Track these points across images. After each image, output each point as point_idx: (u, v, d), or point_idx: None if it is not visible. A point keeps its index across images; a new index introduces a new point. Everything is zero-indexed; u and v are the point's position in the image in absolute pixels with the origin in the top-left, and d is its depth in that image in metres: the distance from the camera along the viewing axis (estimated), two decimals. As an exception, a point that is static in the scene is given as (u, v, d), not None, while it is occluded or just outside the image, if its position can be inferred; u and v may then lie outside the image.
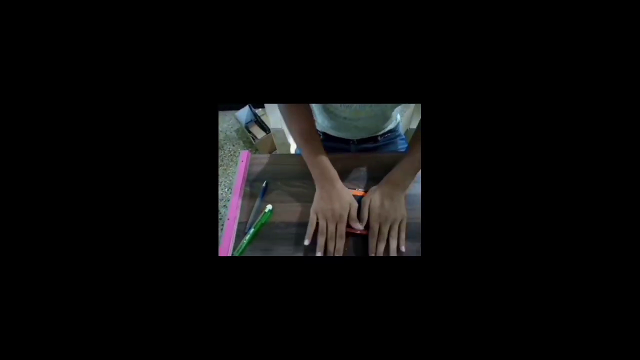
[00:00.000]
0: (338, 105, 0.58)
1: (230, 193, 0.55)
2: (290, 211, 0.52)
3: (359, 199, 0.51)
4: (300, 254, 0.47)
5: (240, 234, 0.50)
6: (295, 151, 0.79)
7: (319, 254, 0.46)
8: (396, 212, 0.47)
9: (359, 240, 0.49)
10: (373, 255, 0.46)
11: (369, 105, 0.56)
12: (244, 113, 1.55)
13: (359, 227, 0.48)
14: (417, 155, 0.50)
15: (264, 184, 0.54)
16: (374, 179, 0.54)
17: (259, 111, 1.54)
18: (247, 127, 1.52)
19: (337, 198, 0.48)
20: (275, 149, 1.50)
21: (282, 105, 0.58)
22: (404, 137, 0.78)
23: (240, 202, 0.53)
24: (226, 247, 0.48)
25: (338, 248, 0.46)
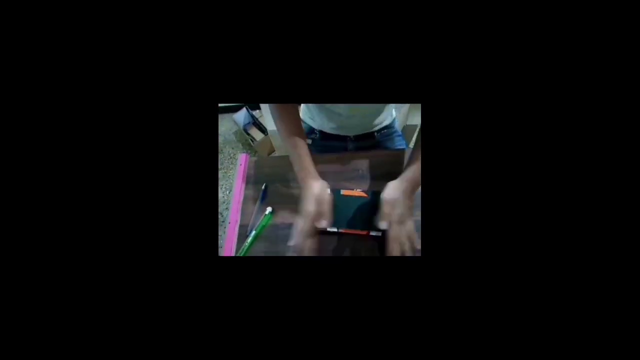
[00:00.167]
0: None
1: (231, 196, 0.55)
2: (291, 212, 0.52)
3: (359, 199, 0.51)
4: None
5: (242, 237, 0.50)
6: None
7: (292, 253, 0.45)
8: (410, 211, 0.46)
9: (346, 241, 0.49)
10: (390, 255, 0.44)
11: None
12: (241, 115, 1.55)
13: (323, 225, 0.46)
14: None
15: (263, 187, 0.55)
16: (371, 178, 0.55)
17: (256, 113, 1.54)
18: (245, 130, 1.53)
19: (310, 197, 0.47)
20: (274, 151, 1.50)
21: (270, 105, 0.58)
22: (400, 133, 0.78)
23: (240, 205, 0.54)
24: (228, 250, 0.49)
25: (309, 247, 0.45)
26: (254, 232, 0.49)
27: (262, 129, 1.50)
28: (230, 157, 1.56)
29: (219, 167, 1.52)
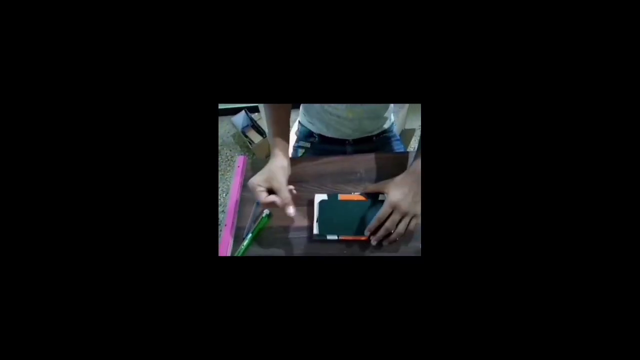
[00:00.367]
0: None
1: (228, 198, 0.55)
2: (289, 216, 0.52)
3: (359, 204, 0.50)
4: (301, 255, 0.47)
5: (239, 240, 0.49)
6: (292, 154, 0.79)
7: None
8: (415, 207, 0.45)
9: (347, 249, 0.49)
10: (368, 234, 0.45)
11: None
12: (240, 118, 1.55)
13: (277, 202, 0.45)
14: None
15: (260, 189, 0.54)
16: (370, 181, 0.54)
17: (254, 115, 1.54)
18: (243, 132, 1.52)
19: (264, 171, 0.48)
20: (272, 153, 1.50)
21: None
22: (399, 138, 0.78)
23: (237, 207, 0.53)
24: (224, 253, 0.48)
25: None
26: (250, 235, 0.49)
27: (261, 132, 1.50)
28: (228, 160, 1.55)
29: (216, 169, 1.52)
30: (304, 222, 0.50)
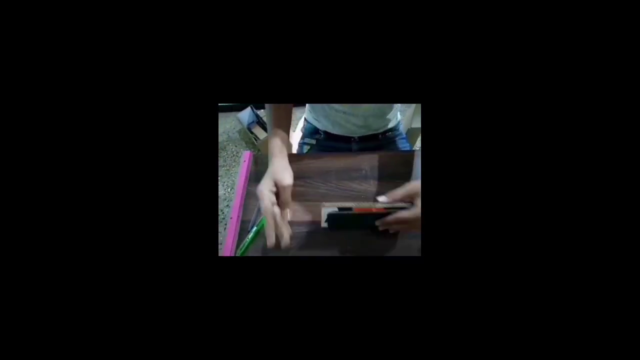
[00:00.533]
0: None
1: (233, 192, 0.55)
2: (293, 210, 0.52)
3: (377, 217, 0.42)
4: (303, 252, 0.48)
5: (244, 232, 0.50)
6: (297, 151, 0.79)
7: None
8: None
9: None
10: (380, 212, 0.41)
11: None
12: (245, 114, 1.56)
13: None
14: None
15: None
16: (375, 178, 0.54)
17: (260, 112, 1.55)
18: (249, 128, 1.53)
19: (269, 175, 0.47)
20: (277, 150, 1.50)
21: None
22: (404, 136, 0.78)
23: (242, 201, 0.54)
24: (229, 246, 0.49)
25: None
26: (255, 228, 0.49)
27: (266, 128, 1.50)
28: (233, 155, 1.56)
29: (222, 164, 1.52)
30: (309, 216, 0.51)
